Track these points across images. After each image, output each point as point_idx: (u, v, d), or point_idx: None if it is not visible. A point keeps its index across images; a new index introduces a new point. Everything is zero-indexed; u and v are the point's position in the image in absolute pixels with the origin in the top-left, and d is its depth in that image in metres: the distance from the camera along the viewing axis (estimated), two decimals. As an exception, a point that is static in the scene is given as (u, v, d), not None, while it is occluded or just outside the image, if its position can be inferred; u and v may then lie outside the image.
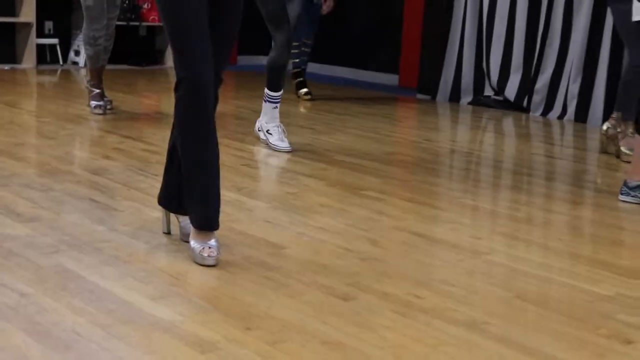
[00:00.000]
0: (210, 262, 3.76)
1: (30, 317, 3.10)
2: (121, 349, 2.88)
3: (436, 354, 2.96)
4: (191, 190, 3.89)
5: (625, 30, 6.48)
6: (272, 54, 6.42)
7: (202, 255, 3.78)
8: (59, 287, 3.41)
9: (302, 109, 7.52)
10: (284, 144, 6.38)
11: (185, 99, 3.79)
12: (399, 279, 3.71)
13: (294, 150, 6.35)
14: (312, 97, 9.19)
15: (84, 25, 7.53)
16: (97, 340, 2.93)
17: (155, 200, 4.23)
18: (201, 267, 3.74)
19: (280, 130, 6.44)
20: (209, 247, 3.80)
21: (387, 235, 4.39)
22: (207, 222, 3.87)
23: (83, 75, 8.10)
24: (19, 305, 3.21)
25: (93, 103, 7.59)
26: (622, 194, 5.24)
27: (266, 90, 6.45)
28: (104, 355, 2.82)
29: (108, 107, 7.61)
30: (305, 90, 9.34)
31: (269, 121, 6.42)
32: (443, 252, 4.19)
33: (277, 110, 6.46)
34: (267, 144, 6.45)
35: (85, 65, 7.85)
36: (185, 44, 3.79)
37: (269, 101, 6.42)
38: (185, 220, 4.03)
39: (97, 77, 7.59)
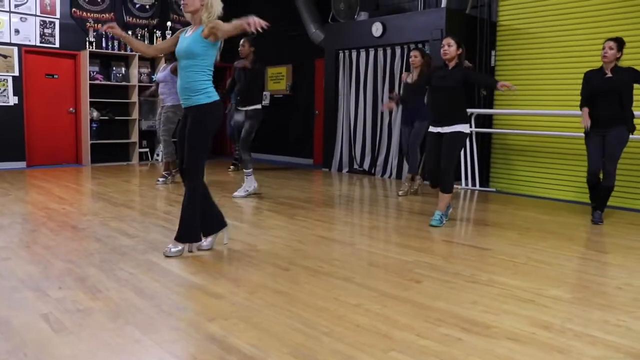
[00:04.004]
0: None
1: (134, 284, 3.13)
2: (176, 296, 2.93)
3: (330, 293, 3.05)
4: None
5: (415, 138, 6.58)
6: (245, 156, 6.25)
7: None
8: (147, 269, 3.43)
9: (264, 178, 7.50)
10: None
11: (181, 176, 3.75)
12: (312, 259, 3.77)
13: (262, 198, 6.29)
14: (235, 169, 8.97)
15: (163, 146, 7.37)
16: (166, 293, 2.98)
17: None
18: (216, 256, 3.75)
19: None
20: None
21: (307, 238, 4.39)
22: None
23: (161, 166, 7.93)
24: (128, 277, 3.23)
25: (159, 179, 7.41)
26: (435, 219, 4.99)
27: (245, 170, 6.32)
28: (169, 299, 2.87)
29: (170, 181, 7.33)
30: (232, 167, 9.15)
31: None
32: (335, 245, 4.21)
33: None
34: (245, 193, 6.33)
35: (161, 160, 7.65)
36: (181, 151, 3.72)
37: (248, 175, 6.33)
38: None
39: (165, 167, 7.44)
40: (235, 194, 6.34)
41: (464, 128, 4.83)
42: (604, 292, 3.17)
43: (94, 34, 9.67)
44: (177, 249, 3.74)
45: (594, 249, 4.31)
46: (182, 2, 3.61)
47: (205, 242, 3.91)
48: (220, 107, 3.70)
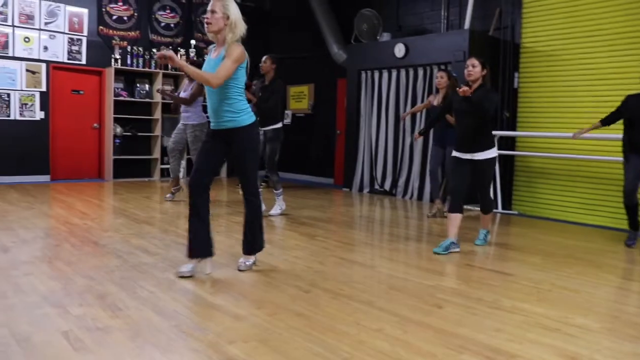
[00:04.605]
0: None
1: (154, 303, 3.11)
2: (196, 316, 2.91)
3: (350, 317, 3.01)
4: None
5: (448, 164, 6.44)
6: (274, 177, 6.31)
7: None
8: (167, 288, 3.41)
9: (285, 197, 7.44)
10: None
11: (189, 189, 3.67)
12: (333, 281, 3.72)
13: (283, 217, 6.27)
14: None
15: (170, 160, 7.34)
16: (186, 313, 2.96)
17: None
18: (236, 276, 3.71)
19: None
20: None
21: (327, 260, 4.35)
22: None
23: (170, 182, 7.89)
24: (148, 296, 3.22)
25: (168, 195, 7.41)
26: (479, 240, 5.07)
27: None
28: (188, 319, 2.85)
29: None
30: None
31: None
32: (355, 267, 4.16)
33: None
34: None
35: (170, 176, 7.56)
36: (196, 165, 3.69)
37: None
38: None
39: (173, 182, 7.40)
40: (272, 212, 6.38)
41: (493, 153, 4.70)
42: (636, 322, 3.07)
43: (120, 51, 9.83)
44: (250, 262, 3.91)
45: (623, 276, 4.20)
46: (205, 22, 3.58)
47: (186, 267, 3.68)
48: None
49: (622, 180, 5.34)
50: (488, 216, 5.02)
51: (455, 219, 4.72)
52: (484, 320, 3.01)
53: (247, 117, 3.64)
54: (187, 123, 7.07)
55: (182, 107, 7.15)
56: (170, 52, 3.30)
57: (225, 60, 3.47)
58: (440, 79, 6.43)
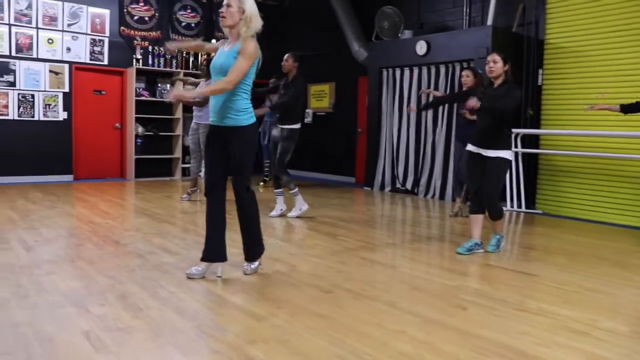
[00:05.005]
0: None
1: (174, 303, 3.11)
2: (217, 317, 2.89)
3: (373, 318, 2.97)
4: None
5: (463, 159, 6.35)
6: (284, 177, 6.13)
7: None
8: (188, 288, 3.41)
9: (305, 196, 7.38)
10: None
11: (205, 195, 3.66)
12: (355, 281, 3.68)
13: (305, 216, 6.23)
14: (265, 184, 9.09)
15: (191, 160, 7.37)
16: (206, 314, 2.95)
17: (233, 242, 4.13)
18: (257, 276, 3.70)
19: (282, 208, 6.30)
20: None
21: (349, 260, 4.31)
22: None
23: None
24: (169, 296, 3.21)
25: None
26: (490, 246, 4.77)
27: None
28: (209, 320, 2.83)
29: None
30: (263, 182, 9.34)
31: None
32: (377, 267, 4.13)
33: (281, 197, 6.25)
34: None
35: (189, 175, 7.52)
36: (206, 170, 3.64)
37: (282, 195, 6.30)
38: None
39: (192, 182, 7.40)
40: (290, 214, 6.27)
41: (507, 154, 4.52)
42: (664, 325, 3.00)
43: (141, 51, 9.90)
44: (255, 265, 3.80)
45: (650, 277, 4.10)
46: (220, 15, 3.48)
47: (196, 269, 3.67)
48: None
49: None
50: (499, 222, 4.74)
51: (477, 219, 4.66)
52: (509, 323, 2.95)
53: (247, 117, 3.52)
54: (200, 123, 7.06)
55: (195, 107, 7.15)
56: (178, 93, 3.43)
57: (239, 58, 3.39)
58: (466, 77, 6.27)
